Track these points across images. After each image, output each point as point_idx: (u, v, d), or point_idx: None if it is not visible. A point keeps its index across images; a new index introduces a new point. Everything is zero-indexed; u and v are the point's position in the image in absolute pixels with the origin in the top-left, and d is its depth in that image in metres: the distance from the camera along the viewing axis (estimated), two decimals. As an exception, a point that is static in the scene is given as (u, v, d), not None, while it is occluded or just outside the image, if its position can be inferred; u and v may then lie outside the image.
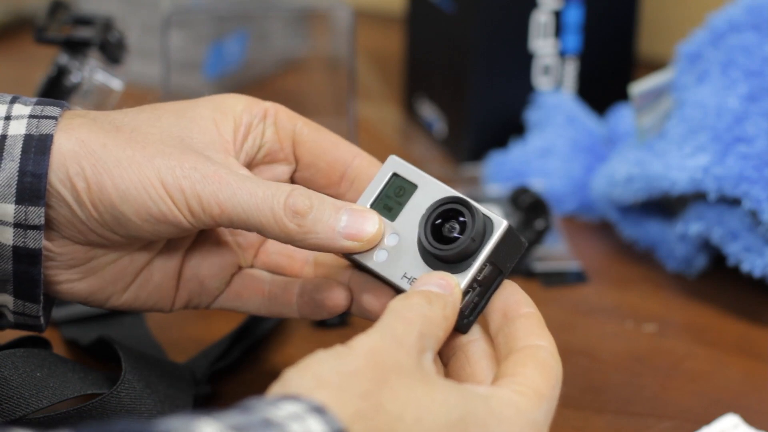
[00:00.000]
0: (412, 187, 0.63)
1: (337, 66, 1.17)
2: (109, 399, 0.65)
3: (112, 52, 0.87)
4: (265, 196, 0.60)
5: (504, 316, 0.60)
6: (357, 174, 0.66)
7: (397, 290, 0.62)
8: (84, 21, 0.87)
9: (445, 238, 0.60)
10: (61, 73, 0.85)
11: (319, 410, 0.49)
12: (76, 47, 0.86)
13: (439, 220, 0.61)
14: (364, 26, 1.17)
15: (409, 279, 0.61)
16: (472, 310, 0.61)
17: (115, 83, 0.87)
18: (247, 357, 0.77)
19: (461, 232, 0.60)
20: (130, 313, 0.81)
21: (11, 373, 0.64)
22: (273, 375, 0.76)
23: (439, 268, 0.60)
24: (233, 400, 0.73)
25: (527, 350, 0.58)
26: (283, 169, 0.68)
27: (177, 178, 0.60)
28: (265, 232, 0.61)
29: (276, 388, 0.52)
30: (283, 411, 0.49)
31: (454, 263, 0.60)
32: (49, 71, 0.85)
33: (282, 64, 1.24)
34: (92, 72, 0.86)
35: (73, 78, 0.85)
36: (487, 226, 0.60)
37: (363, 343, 0.54)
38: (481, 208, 0.60)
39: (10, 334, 0.67)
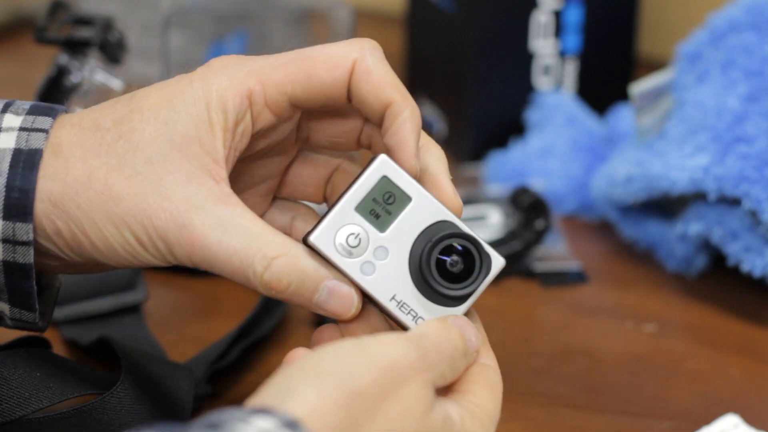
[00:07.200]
0: (405, 198, 0.60)
1: (337, 66, 1.17)
2: (109, 399, 0.65)
3: (112, 52, 0.87)
4: (241, 265, 0.59)
5: None
6: (371, 135, 0.63)
7: (382, 310, 0.61)
8: (84, 21, 0.87)
9: (448, 272, 0.60)
10: (61, 73, 0.85)
11: (292, 425, 0.48)
12: (76, 47, 0.86)
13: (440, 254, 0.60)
14: (364, 26, 1.17)
15: (399, 303, 0.60)
16: None
17: (115, 83, 0.87)
18: (247, 357, 0.77)
19: (464, 268, 0.60)
20: (128, 310, 0.81)
21: (11, 373, 0.64)
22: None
23: (430, 295, 0.60)
24: (233, 400, 0.73)
25: (475, 368, 0.59)
26: (290, 149, 0.65)
27: (151, 233, 0.59)
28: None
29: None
30: (253, 427, 0.48)
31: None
32: (49, 71, 0.85)
33: (282, 64, 1.24)
34: (92, 72, 0.86)
35: (73, 78, 0.85)
36: (485, 263, 0.60)
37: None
38: (484, 244, 0.60)
39: (10, 335, 0.67)
